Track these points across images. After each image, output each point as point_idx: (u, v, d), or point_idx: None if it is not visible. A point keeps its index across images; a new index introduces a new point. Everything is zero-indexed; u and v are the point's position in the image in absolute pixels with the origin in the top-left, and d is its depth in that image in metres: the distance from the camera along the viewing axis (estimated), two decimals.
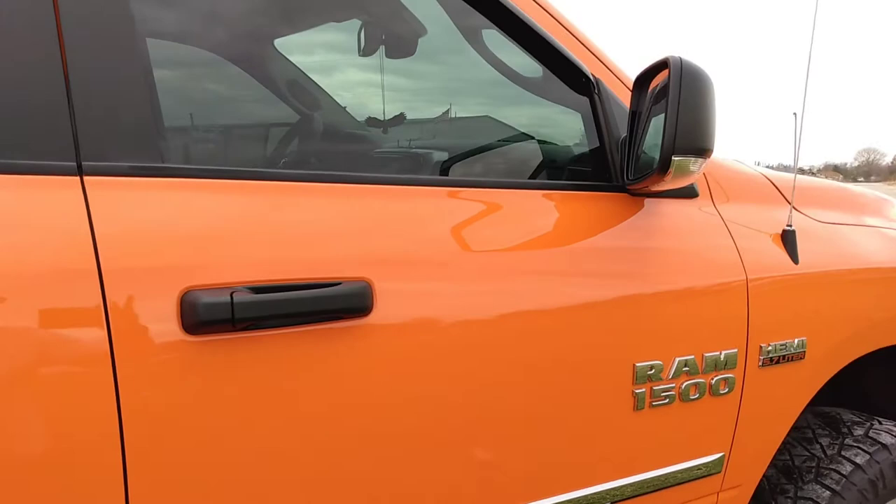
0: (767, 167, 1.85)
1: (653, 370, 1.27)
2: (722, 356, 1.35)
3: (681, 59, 1.13)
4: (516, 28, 1.26)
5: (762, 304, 1.40)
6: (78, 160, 0.87)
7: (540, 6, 1.29)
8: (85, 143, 0.88)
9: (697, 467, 1.37)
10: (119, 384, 0.85)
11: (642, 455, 1.30)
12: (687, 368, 1.31)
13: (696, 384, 1.33)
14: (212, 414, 0.91)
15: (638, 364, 1.25)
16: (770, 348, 1.42)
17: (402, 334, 1.04)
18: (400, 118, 1.67)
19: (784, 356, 1.44)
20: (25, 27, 0.87)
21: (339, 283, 0.97)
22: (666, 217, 1.34)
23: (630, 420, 1.26)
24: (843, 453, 1.63)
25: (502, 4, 1.22)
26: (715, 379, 1.35)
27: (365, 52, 1.59)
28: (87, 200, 0.86)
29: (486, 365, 1.11)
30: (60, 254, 0.83)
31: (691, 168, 1.13)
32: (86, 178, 0.87)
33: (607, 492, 1.26)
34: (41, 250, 0.83)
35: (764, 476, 1.62)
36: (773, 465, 1.64)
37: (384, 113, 1.66)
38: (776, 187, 1.57)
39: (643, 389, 1.26)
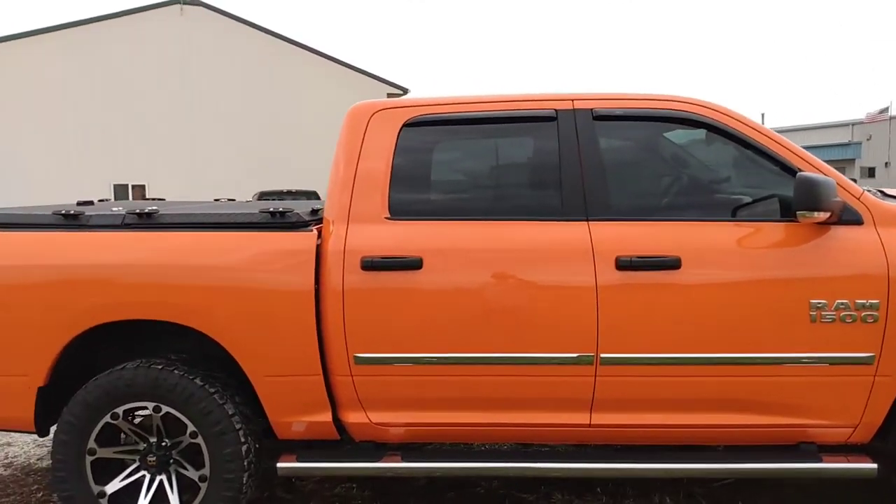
0: None
1: (821, 304, 2.79)
2: (867, 302, 2.78)
3: (805, 175, 2.70)
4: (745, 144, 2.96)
5: None
6: (587, 216, 2.93)
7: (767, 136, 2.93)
8: (589, 209, 2.93)
9: (854, 357, 2.82)
10: None
11: (818, 343, 2.82)
12: (843, 306, 2.79)
13: (850, 315, 2.79)
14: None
15: (812, 301, 2.80)
16: None
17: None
18: None
19: None
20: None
21: None
22: (839, 236, 2.84)
23: (808, 326, 2.82)
24: None
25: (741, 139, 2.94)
26: (864, 313, 2.78)
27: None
28: (591, 230, 2.90)
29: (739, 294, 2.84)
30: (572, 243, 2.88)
31: (813, 216, 2.68)
32: (590, 222, 2.92)
33: (797, 357, 2.83)
34: (571, 243, 2.89)
35: None
36: None
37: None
38: None
39: (815, 313, 2.81)
